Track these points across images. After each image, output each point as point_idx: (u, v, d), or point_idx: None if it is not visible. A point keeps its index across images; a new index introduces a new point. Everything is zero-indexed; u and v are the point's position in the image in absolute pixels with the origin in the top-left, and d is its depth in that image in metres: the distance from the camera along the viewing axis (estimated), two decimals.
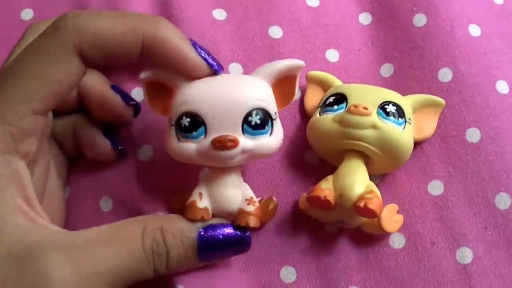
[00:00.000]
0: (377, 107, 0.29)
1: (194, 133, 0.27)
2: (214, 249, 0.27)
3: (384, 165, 0.30)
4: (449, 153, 0.32)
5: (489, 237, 0.31)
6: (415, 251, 0.31)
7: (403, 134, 0.29)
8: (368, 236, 0.31)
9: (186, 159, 0.28)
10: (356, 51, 0.35)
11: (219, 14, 0.36)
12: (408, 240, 0.31)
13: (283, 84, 0.29)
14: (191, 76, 0.28)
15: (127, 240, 0.25)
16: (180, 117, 0.27)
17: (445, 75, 0.33)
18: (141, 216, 0.27)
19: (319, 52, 0.35)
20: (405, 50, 0.34)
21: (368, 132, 0.28)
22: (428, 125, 0.32)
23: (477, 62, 0.33)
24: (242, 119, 0.27)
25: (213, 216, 0.28)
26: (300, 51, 0.35)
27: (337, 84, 0.33)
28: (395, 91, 0.33)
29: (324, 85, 0.33)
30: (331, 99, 0.30)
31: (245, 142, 0.27)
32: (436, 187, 0.32)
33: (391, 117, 0.29)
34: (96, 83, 0.31)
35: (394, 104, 0.29)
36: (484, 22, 0.34)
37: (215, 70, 0.28)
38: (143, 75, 0.29)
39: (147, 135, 0.33)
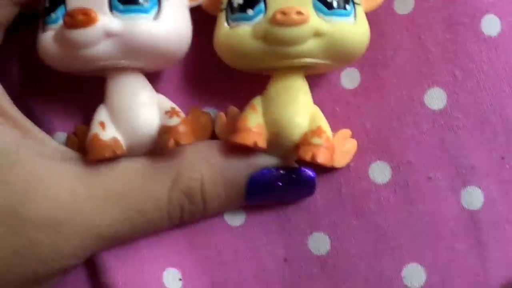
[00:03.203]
0: None
1: (53, 15, 0.24)
2: (267, 193, 0.25)
3: (330, 68, 0.25)
4: (456, 49, 0.26)
5: (506, 173, 0.25)
6: (405, 189, 0.25)
7: (357, 28, 0.23)
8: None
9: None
10: None
11: None
12: (394, 172, 0.25)
13: None
14: None
15: (153, 193, 0.24)
16: None
17: None
18: (177, 160, 0.25)
19: None
20: None
21: (310, 45, 0.23)
22: None
23: None
24: None
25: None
26: None
27: None
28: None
29: None
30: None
31: (110, 20, 0.23)
32: (436, 98, 0.26)
33: (335, 9, 0.23)
34: None
35: None
36: None
37: None
38: None
39: None
